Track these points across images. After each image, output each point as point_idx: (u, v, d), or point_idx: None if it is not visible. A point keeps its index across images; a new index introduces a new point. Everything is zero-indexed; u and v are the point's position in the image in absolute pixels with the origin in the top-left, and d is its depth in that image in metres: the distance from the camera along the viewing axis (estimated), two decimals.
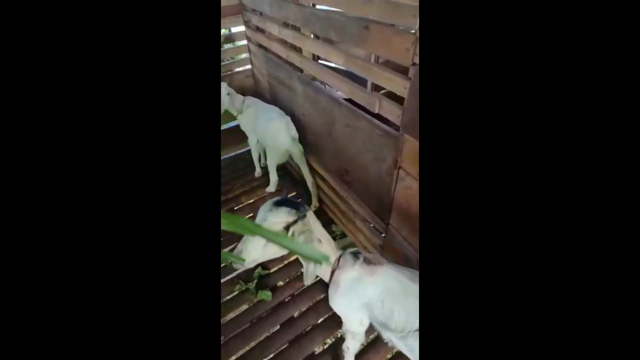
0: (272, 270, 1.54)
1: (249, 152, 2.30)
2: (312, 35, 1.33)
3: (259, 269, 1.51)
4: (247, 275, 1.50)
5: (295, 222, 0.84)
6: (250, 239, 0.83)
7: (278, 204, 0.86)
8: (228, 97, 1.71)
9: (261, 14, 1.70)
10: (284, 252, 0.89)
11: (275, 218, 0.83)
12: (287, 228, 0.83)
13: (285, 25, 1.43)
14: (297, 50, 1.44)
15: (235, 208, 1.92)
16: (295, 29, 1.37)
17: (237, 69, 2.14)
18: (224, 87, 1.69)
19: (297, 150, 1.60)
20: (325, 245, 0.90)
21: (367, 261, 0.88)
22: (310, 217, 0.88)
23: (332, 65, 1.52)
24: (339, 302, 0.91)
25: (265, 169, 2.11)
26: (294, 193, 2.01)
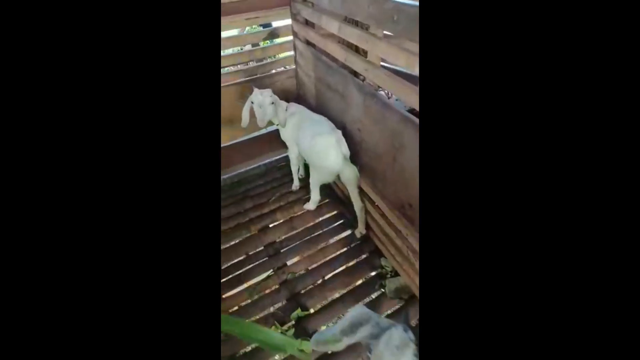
0: (312, 311, 1.33)
1: (285, 159, 2.11)
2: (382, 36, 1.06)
3: (297, 310, 1.30)
4: (284, 314, 1.31)
5: None
6: None
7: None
8: (272, 107, 1.47)
9: (313, 5, 1.44)
10: None
11: None
12: None
13: (348, 21, 1.17)
14: (361, 53, 1.17)
15: (271, 226, 1.72)
16: (362, 27, 1.10)
17: (279, 69, 1.91)
18: (268, 95, 1.45)
19: (351, 173, 1.35)
20: None
21: None
22: None
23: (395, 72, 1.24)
24: None
25: (303, 180, 1.89)
26: (335, 212, 1.78)
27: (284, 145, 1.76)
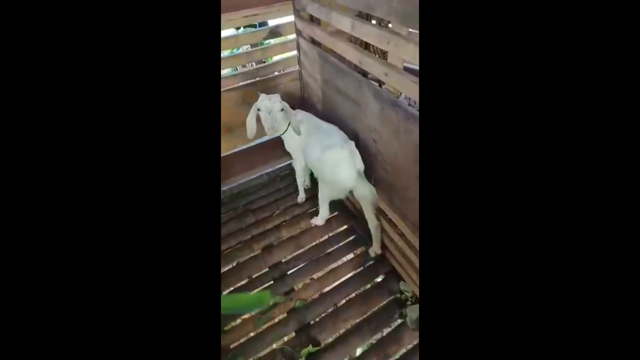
0: (323, 345, 1.19)
1: (289, 166, 1.96)
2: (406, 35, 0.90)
3: (309, 347, 1.15)
4: (293, 349, 1.16)
5: None
6: None
7: None
8: (282, 114, 1.30)
9: None
10: None
11: None
12: None
13: (363, 17, 1.01)
14: (380, 54, 1.01)
15: (275, 243, 1.57)
16: (381, 23, 0.94)
17: (281, 71, 1.75)
18: (278, 101, 1.28)
19: (366, 191, 1.20)
20: None
21: None
22: None
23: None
24: None
25: (309, 191, 1.74)
26: (345, 226, 1.63)
27: (287, 153, 1.61)
